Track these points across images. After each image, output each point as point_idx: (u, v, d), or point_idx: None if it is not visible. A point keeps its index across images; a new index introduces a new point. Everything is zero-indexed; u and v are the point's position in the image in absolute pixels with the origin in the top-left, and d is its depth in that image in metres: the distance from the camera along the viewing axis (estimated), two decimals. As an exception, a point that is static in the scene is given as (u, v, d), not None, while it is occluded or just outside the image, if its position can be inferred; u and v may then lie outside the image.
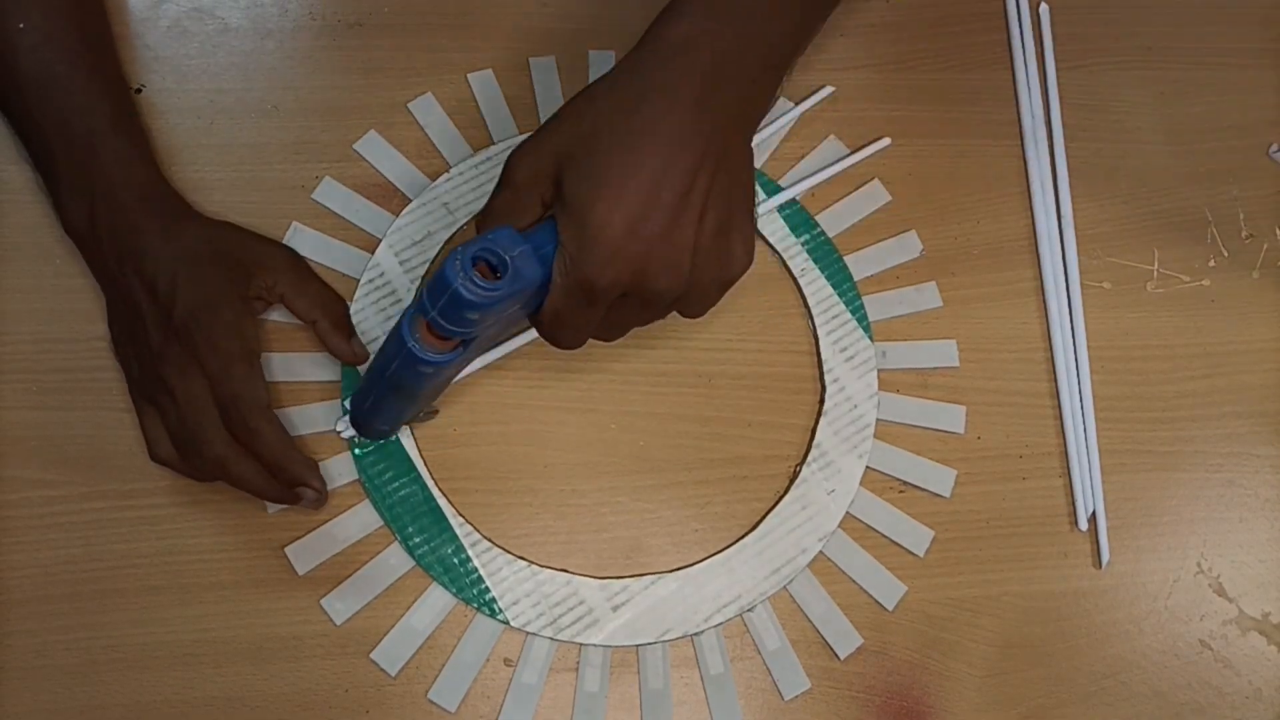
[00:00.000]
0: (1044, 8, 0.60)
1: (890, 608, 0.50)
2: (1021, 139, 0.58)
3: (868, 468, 0.51)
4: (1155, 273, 0.57)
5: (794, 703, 0.49)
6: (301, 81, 0.55)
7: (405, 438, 0.50)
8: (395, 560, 0.49)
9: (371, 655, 0.47)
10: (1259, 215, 0.58)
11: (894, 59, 0.59)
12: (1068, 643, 0.51)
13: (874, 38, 0.59)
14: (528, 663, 0.48)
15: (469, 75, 0.55)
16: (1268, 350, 0.56)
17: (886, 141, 0.56)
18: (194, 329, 0.44)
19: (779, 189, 0.55)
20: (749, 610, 0.49)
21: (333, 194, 0.53)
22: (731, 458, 0.51)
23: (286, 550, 0.48)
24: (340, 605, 0.48)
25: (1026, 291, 0.55)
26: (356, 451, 0.49)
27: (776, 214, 0.55)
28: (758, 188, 0.54)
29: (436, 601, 0.48)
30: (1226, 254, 0.57)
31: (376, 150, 0.54)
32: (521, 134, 0.55)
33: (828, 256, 0.54)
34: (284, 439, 0.46)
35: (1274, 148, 0.58)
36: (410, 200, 0.53)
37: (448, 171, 0.54)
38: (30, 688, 0.46)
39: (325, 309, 0.49)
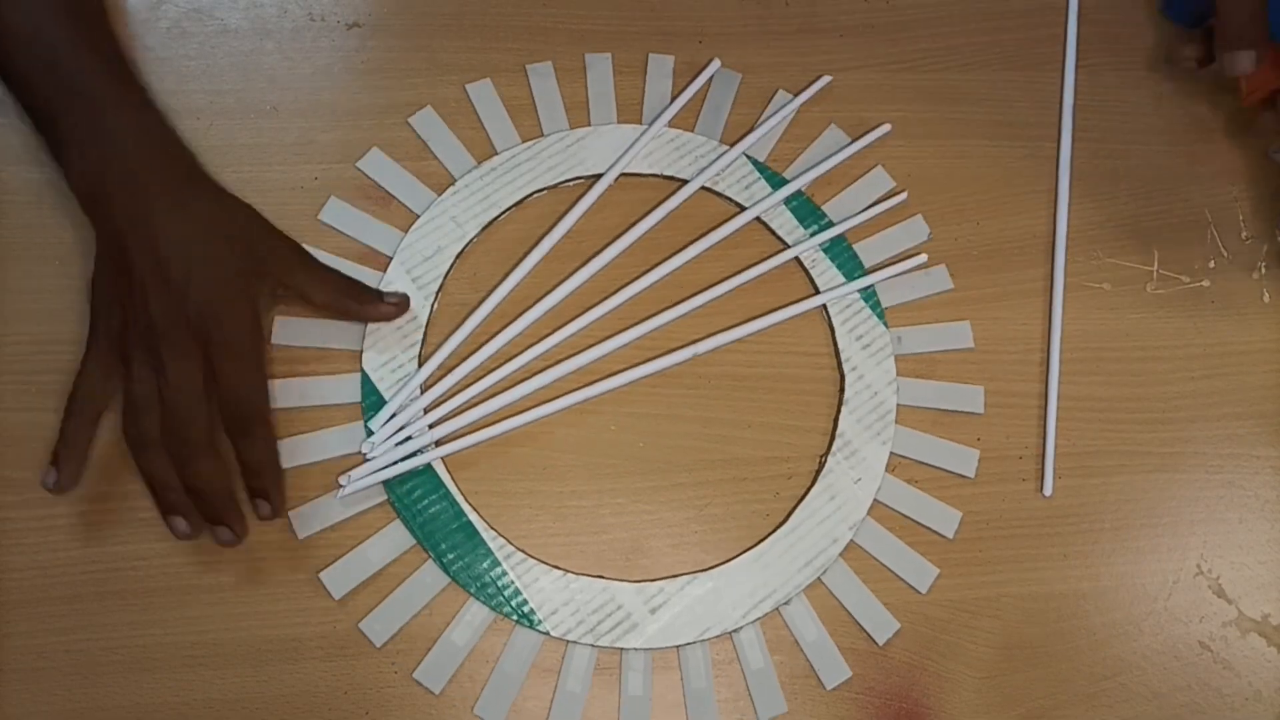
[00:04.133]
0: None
1: (924, 590, 0.50)
2: (1059, 141, 0.58)
3: (891, 454, 0.52)
4: (1155, 273, 0.57)
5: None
6: (301, 83, 0.55)
7: (432, 454, 0.49)
8: (430, 578, 0.49)
9: (415, 675, 0.47)
10: (1259, 216, 0.58)
11: (894, 59, 0.59)
12: (1067, 644, 0.51)
13: (874, 38, 0.59)
14: (570, 671, 0.48)
15: (467, 86, 0.55)
16: (1268, 351, 0.56)
17: (887, 128, 0.56)
18: (211, 325, 0.45)
19: (784, 181, 0.55)
20: (785, 604, 0.49)
21: (340, 214, 0.53)
22: (731, 459, 0.51)
23: (321, 576, 0.48)
24: (379, 627, 0.48)
25: (1027, 293, 0.55)
26: (386, 479, 0.49)
27: (784, 207, 0.55)
28: (763, 181, 0.55)
29: (475, 616, 0.48)
30: (1226, 254, 0.57)
31: (380, 167, 0.54)
32: (525, 141, 0.55)
33: (837, 245, 0.55)
34: (275, 454, 0.47)
35: (1274, 148, 0.58)
36: (417, 215, 0.53)
37: (453, 185, 0.54)
38: (30, 689, 0.46)
39: (344, 291, 0.50)
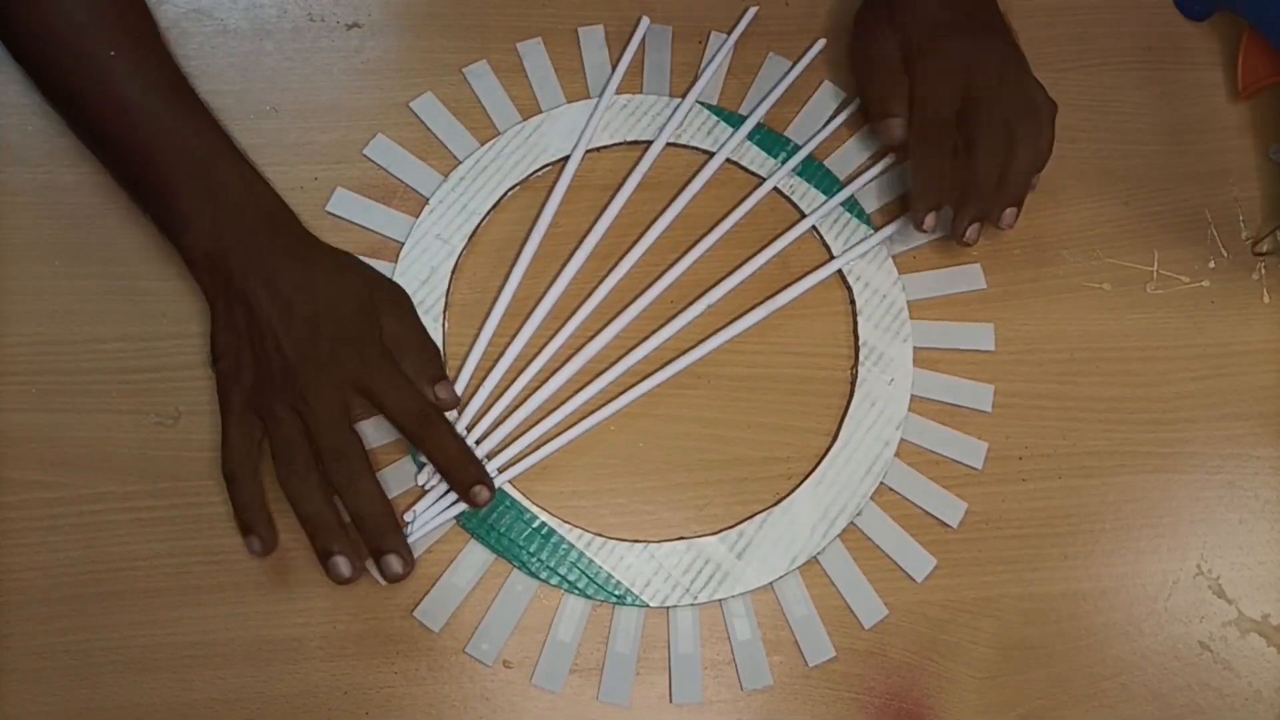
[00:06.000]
0: None
1: (955, 524, 0.51)
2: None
3: (912, 396, 0.53)
4: (1155, 273, 0.57)
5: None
6: (300, 82, 0.55)
7: (499, 479, 0.49)
8: (520, 587, 0.49)
9: (534, 681, 0.48)
10: (1259, 216, 0.58)
11: (894, 59, 0.59)
12: (1067, 645, 0.51)
13: (874, 38, 0.59)
14: (679, 635, 0.49)
15: (411, 104, 0.55)
16: (1267, 351, 0.56)
17: (823, 42, 0.58)
18: (346, 353, 0.46)
19: (742, 119, 0.56)
20: (859, 515, 0.51)
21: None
22: (731, 459, 0.51)
23: (416, 614, 0.48)
24: (485, 646, 0.48)
25: (1026, 293, 0.55)
26: (460, 515, 0.49)
27: (749, 143, 0.56)
28: (723, 124, 0.56)
29: (574, 610, 0.49)
30: (1226, 254, 0.57)
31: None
32: (484, 143, 0.55)
33: (810, 166, 0.56)
34: (463, 446, 0.47)
35: (1274, 148, 0.58)
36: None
37: (428, 203, 0.53)
38: (30, 689, 0.46)
39: (421, 355, 0.48)
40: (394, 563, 0.45)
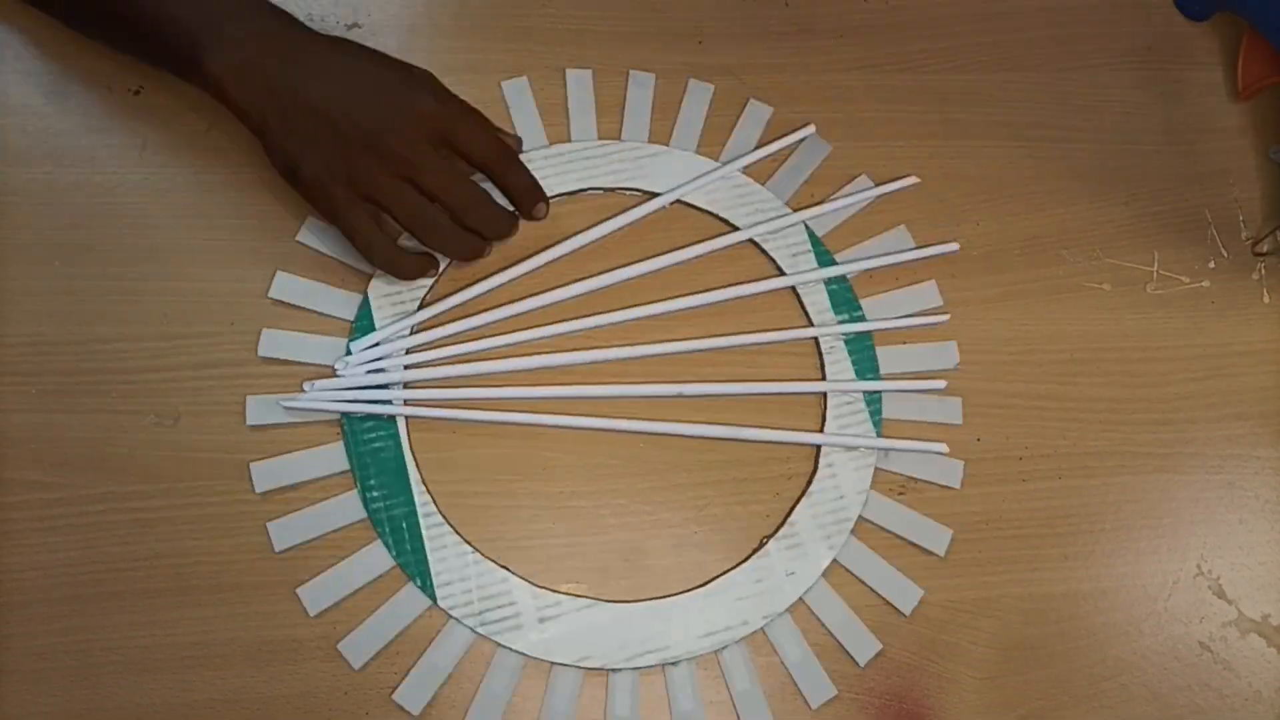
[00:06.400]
0: None
1: (907, 612, 0.50)
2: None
3: (836, 561, 0.50)
4: (1155, 274, 0.57)
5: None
6: (301, 83, 0.55)
7: (401, 409, 0.49)
8: (349, 508, 0.49)
9: (298, 590, 0.48)
10: (1259, 216, 0.58)
11: (894, 59, 0.59)
12: (1067, 645, 0.51)
13: (873, 38, 0.59)
14: (444, 645, 0.48)
15: (502, 83, 0.55)
16: (1267, 352, 0.56)
17: (954, 247, 0.55)
18: (425, 107, 0.47)
19: (833, 263, 0.54)
20: (671, 665, 0.48)
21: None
22: (731, 460, 0.51)
23: (251, 466, 0.48)
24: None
25: (1026, 293, 0.55)
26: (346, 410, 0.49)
27: (823, 286, 0.54)
28: (812, 255, 0.54)
29: (374, 559, 0.48)
30: (1226, 254, 0.57)
31: None
32: (552, 142, 0.54)
33: (860, 341, 0.53)
34: (531, 174, 0.51)
35: (1274, 148, 0.58)
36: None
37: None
38: (30, 690, 0.46)
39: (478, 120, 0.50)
40: (540, 210, 0.52)
